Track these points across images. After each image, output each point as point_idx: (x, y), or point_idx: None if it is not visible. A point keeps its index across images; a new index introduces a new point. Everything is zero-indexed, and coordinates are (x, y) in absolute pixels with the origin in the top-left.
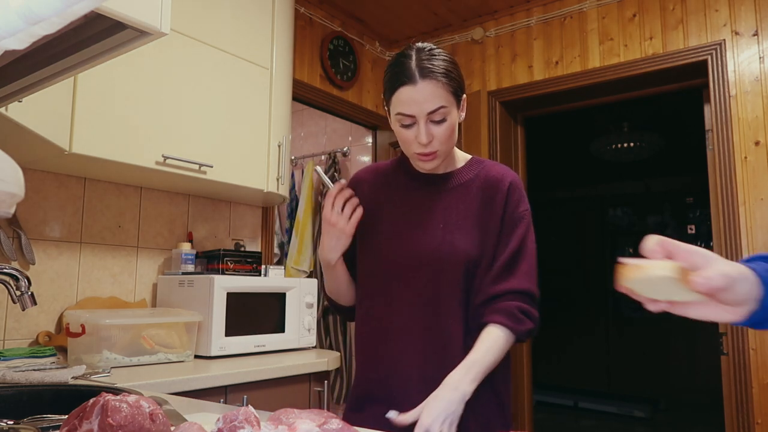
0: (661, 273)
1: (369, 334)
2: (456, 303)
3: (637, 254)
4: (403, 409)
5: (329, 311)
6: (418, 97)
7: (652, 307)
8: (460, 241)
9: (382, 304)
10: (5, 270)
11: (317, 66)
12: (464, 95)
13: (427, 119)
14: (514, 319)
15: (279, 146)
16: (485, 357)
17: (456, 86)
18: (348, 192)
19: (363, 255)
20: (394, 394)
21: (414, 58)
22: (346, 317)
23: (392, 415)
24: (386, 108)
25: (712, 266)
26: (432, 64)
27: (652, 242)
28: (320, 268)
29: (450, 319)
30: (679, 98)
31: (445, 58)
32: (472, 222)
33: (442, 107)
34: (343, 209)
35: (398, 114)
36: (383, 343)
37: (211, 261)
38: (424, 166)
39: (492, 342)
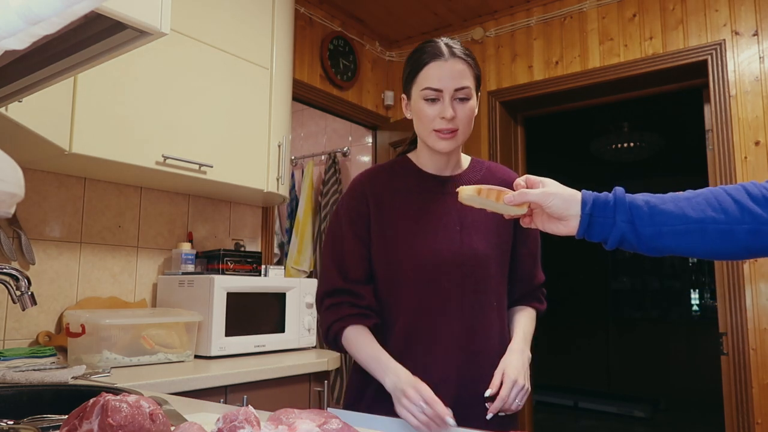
0: (467, 191)
1: (399, 340)
2: (485, 303)
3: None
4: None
5: None
6: (448, 72)
7: (523, 223)
8: (478, 244)
9: (409, 309)
10: (5, 270)
11: (317, 66)
12: (479, 92)
13: (453, 96)
14: (541, 302)
15: (279, 146)
16: (531, 330)
17: (479, 74)
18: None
19: (381, 261)
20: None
21: (442, 42)
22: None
23: (450, 421)
24: (404, 94)
25: (534, 188)
26: (460, 47)
27: (519, 179)
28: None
29: (482, 317)
30: (679, 98)
31: (469, 50)
32: (487, 224)
33: (467, 87)
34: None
35: (425, 89)
36: (415, 348)
37: (211, 261)
38: (441, 146)
39: (532, 319)
